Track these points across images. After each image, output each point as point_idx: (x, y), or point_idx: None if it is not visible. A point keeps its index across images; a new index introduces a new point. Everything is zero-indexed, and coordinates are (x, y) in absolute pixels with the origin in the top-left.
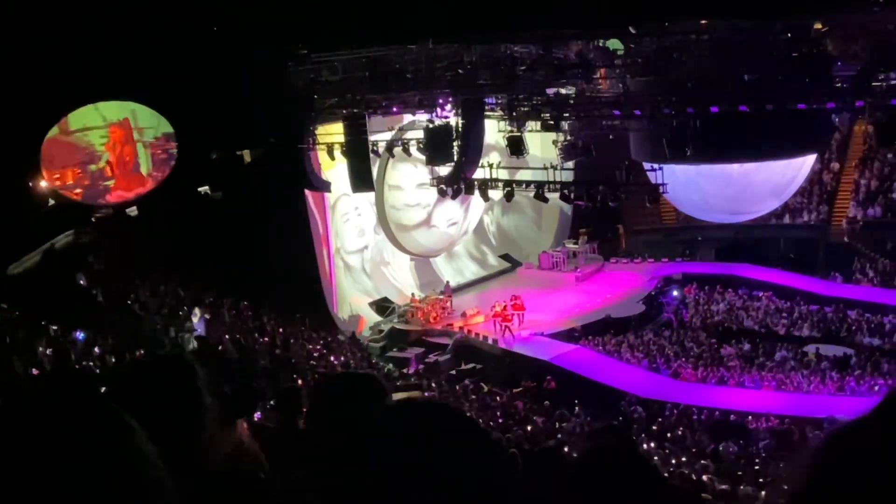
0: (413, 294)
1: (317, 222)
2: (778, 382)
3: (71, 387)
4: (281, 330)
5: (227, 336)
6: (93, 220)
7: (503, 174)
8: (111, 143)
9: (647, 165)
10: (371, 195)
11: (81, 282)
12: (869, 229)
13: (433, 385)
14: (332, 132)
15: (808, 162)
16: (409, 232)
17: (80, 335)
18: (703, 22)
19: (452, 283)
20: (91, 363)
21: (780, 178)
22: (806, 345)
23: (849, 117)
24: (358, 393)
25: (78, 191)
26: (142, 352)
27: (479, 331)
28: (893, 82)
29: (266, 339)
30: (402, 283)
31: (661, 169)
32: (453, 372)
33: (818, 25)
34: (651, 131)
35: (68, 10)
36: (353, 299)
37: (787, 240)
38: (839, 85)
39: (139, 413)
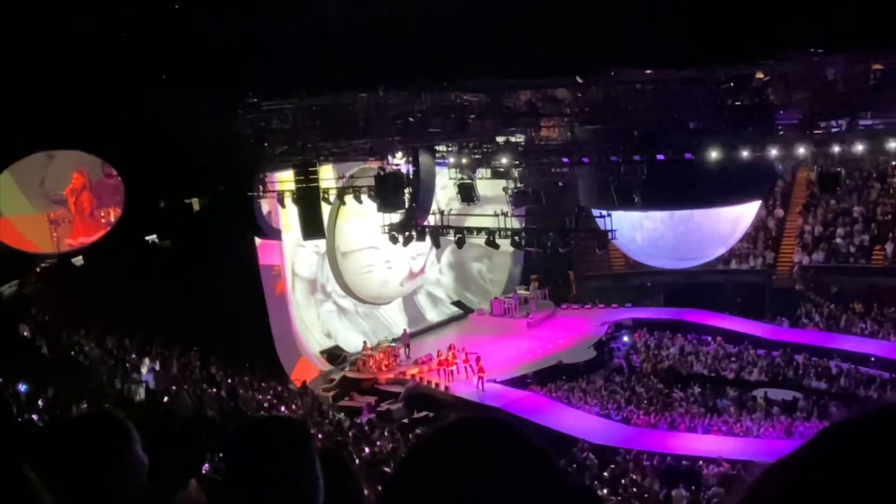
0: (365, 342)
1: (273, 270)
2: (728, 427)
3: None
4: (230, 380)
5: (174, 387)
6: (37, 269)
7: (454, 221)
8: (71, 188)
9: (595, 212)
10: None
11: (25, 333)
12: (814, 275)
13: (385, 434)
14: (283, 180)
15: (752, 208)
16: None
17: (23, 387)
18: (648, 72)
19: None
20: (35, 416)
21: (726, 224)
22: (755, 389)
23: (792, 165)
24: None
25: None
26: (86, 404)
27: (432, 378)
28: (834, 130)
29: (214, 389)
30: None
31: (609, 215)
32: (406, 420)
33: (760, 75)
34: (599, 178)
35: (12, 57)
36: (304, 348)
37: (734, 285)
38: (782, 133)
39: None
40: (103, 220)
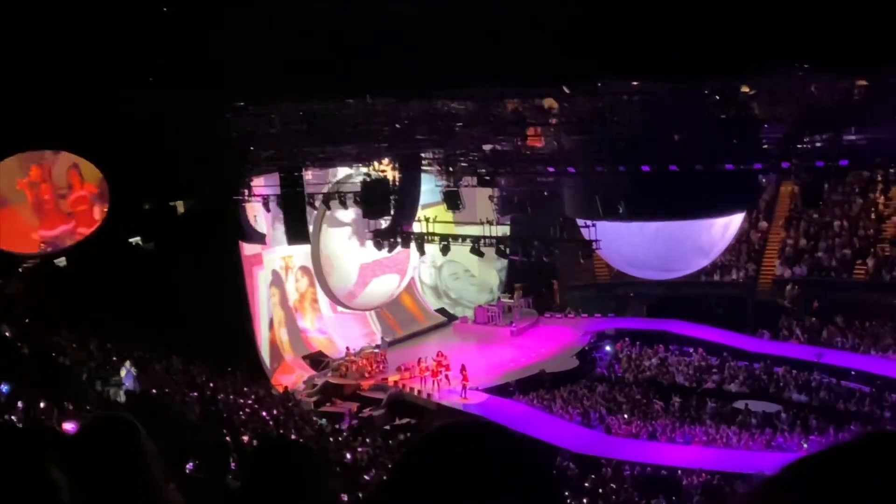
0: (348, 348)
1: (255, 276)
2: (708, 438)
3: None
4: (211, 384)
5: (155, 390)
6: (20, 270)
7: (440, 228)
8: (28, 181)
9: (580, 221)
10: None
11: (6, 333)
12: (795, 288)
13: (367, 441)
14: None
15: (736, 221)
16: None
17: (4, 388)
18: (635, 83)
19: None
20: (14, 417)
21: (709, 236)
22: (735, 400)
23: (775, 178)
24: (295, 465)
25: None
26: (71, 406)
27: (415, 385)
28: (818, 144)
29: (196, 393)
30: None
31: (594, 225)
32: (387, 427)
33: (746, 88)
34: (584, 188)
35: None
36: (288, 355)
37: (717, 297)
38: (766, 146)
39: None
40: (68, 212)
